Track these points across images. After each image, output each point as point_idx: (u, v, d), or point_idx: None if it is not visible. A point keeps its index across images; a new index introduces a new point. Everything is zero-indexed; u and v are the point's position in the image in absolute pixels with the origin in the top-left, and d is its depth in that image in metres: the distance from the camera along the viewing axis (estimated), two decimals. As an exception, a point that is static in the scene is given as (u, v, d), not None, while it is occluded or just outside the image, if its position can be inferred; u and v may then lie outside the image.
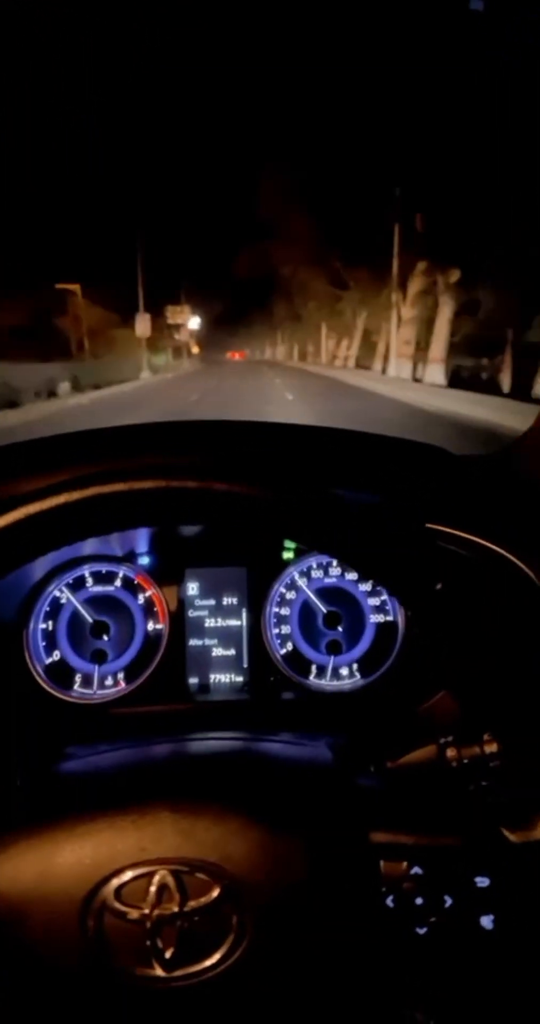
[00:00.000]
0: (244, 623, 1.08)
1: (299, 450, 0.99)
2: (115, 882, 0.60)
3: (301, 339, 67.14)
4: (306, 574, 1.07)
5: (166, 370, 45.10)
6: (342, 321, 40.30)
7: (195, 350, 71.37)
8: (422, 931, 0.63)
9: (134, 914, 0.59)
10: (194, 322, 73.85)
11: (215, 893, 0.60)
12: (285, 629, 1.07)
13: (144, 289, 36.40)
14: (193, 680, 1.07)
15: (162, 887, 0.60)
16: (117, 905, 0.59)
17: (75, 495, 0.58)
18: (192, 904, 0.60)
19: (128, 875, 0.60)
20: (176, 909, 0.59)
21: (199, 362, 68.38)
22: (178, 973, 0.59)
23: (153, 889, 0.60)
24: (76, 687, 1.04)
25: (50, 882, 0.60)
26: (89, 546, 1.03)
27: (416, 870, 0.63)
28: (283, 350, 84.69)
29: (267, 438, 1.06)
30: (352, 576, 1.06)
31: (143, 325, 35.88)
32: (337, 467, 0.95)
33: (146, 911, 0.59)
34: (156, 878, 0.60)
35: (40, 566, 1.01)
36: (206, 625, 1.08)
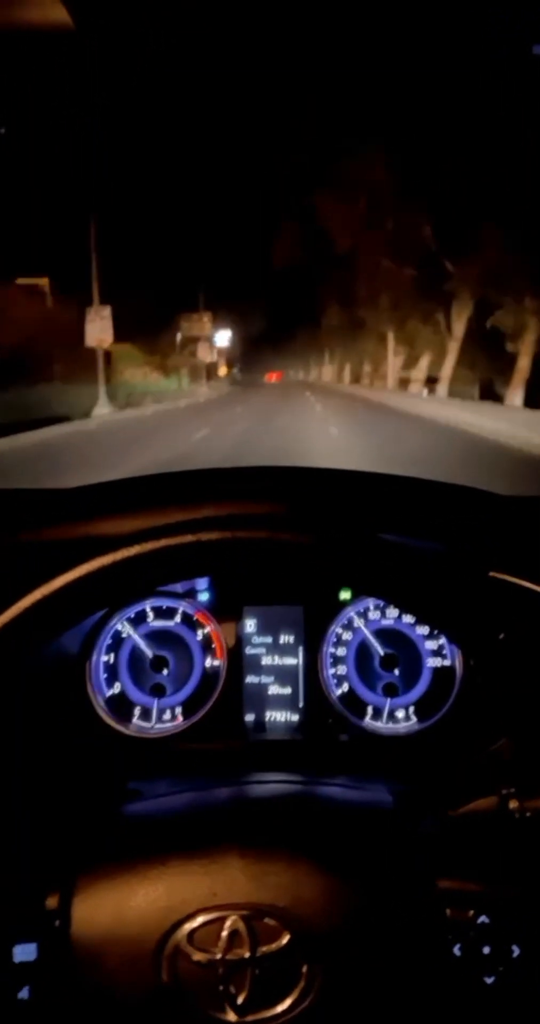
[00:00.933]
0: (300, 662, 1.08)
1: (360, 497, 1.00)
2: (187, 926, 0.61)
3: (354, 356, 53.89)
4: (363, 615, 1.07)
5: (164, 398, 32.59)
6: (421, 332, 29.87)
7: (223, 371, 57.45)
8: (490, 980, 0.63)
9: (207, 959, 0.60)
10: (222, 337, 59.96)
11: (285, 940, 0.61)
12: (341, 669, 1.07)
13: (99, 272, 24.04)
14: (249, 717, 1.08)
15: (233, 932, 0.61)
16: (190, 949, 0.61)
17: (146, 547, 0.60)
18: (263, 950, 0.61)
19: (200, 920, 0.61)
20: (247, 955, 0.60)
21: (226, 386, 56.67)
22: (250, 1018, 0.60)
23: (225, 934, 0.61)
24: (135, 720, 1.06)
25: (125, 925, 0.61)
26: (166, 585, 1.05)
27: (483, 919, 0.63)
28: (330, 371, 73.07)
29: (326, 484, 1.06)
30: (409, 619, 1.06)
31: (99, 328, 22.91)
32: (399, 515, 0.95)
33: (218, 956, 0.60)
34: (228, 923, 0.61)
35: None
36: (263, 663, 1.09)
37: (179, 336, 41.89)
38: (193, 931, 0.61)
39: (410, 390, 33.69)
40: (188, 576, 0.66)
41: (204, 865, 0.63)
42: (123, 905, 0.62)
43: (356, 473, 1.08)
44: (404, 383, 35.53)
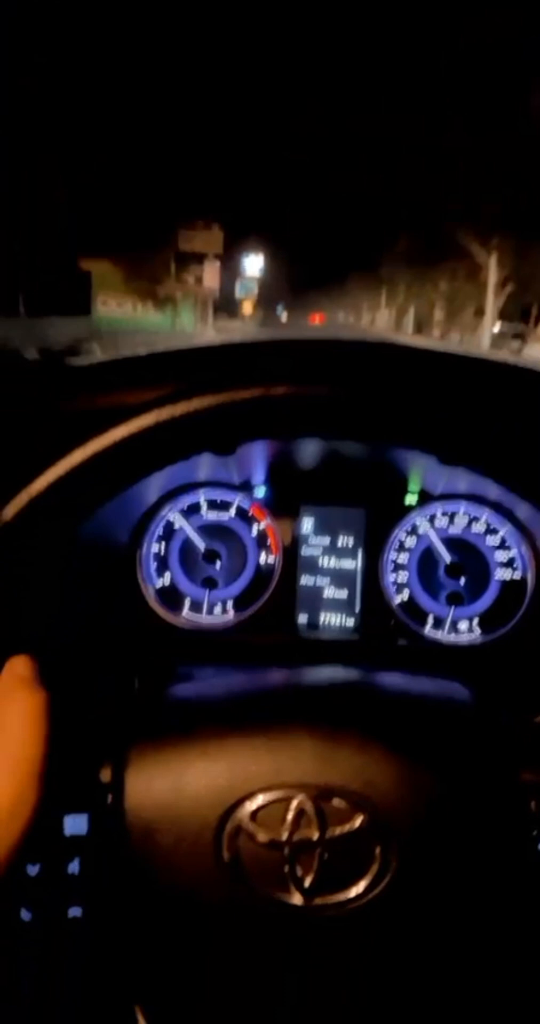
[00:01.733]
0: (359, 566, 1.04)
1: (441, 368, 0.88)
2: (250, 805, 0.57)
3: (423, 297, 41.39)
4: (430, 521, 1.02)
5: (155, 340, 21.62)
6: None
7: (248, 309, 44.51)
8: None
9: (271, 839, 0.57)
10: (253, 264, 47.06)
11: (358, 822, 0.57)
12: (403, 576, 1.03)
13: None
14: (302, 618, 1.05)
15: (300, 812, 0.57)
16: (253, 828, 0.57)
17: (179, 409, 0.57)
18: (333, 832, 0.57)
19: (265, 798, 0.57)
20: (316, 836, 0.57)
21: (250, 327, 43.92)
22: (318, 902, 0.57)
23: (291, 815, 0.57)
24: (186, 611, 1.03)
25: (183, 800, 0.58)
26: (205, 471, 1.00)
27: None
28: (386, 316, 60.60)
29: (400, 357, 0.92)
30: (479, 528, 1.01)
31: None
32: (467, 380, 0.85)
33: (284, 836, 0.57)
34: (294, 803, 0.57)
35: (154, 489, 0.99)
36: (319, 564, 1.05)
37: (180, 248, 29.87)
38: (257, 810, 0.57)
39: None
40: (239, 440, 0.60)
41: (269, 742, 0.59)
42: (181, 780, 0.58)
43: (427, 350, 0.97)
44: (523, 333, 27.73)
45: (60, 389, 0.84)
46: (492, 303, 25.79)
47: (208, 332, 31.38)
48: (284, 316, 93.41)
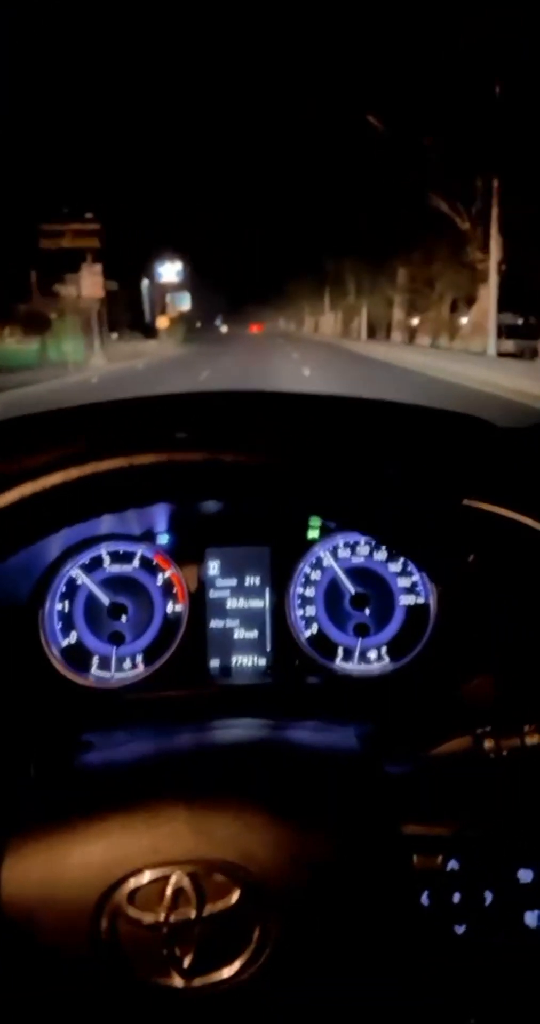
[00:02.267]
0: (267, 604, 1.04)
1: (322, 419, 0.92)
2: (128, 885, 0.57)
3: (378, 293, 37.83)
4: (333, 553, 1.03)
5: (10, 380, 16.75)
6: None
7: (164, 323, 36.58)
8: (461, 930, 0.59)
9: (149, 919, 0.56)
10: (170, 270, 40.08)
11: (235, 896, 0.56)
12: (310, 611, 1.03)
13: None
14: (214, 663, 1.04)
15: (178, 890, 0.57)
16: (131, 910, 0.56)
17: (75, 473, 0.56)
18: (210, 908, 0.56)
19: (142, 878, 0.57)
20: (194, 914, 0.56)
21: (170, 347, 35.96)
22: (197, 982, 0.56)
23: (169, 893, 0.56)
24: (93, 670, 1.01)
25: (60, 885, 0.57)
26: (106, 525, 0.99)
27: (453, 864, 0.59)
28: (333, 319, 56.49)
29: (291, 407, 0.98)
30: (381, 556, 1.02)
31: None
32: (368, 437, 0.88)
33: (162, 916, 0.56)
34: (172, 880, 0.57)
35: (55, 545, 0.98)
36: (228, 606, 1.04)
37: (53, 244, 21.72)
38: (134, 890, 0.56)
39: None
40: (127, 505, 0.59)
41: (147, 819, 0.58)
42: (58, 867, 0.57)
43: (336, 398, 0.99)
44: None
45: None
46: (494, 289, 18.24)
47: (94, 362, 22.57)
48: (224, 328, 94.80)
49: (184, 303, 57.95)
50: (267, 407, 0.94)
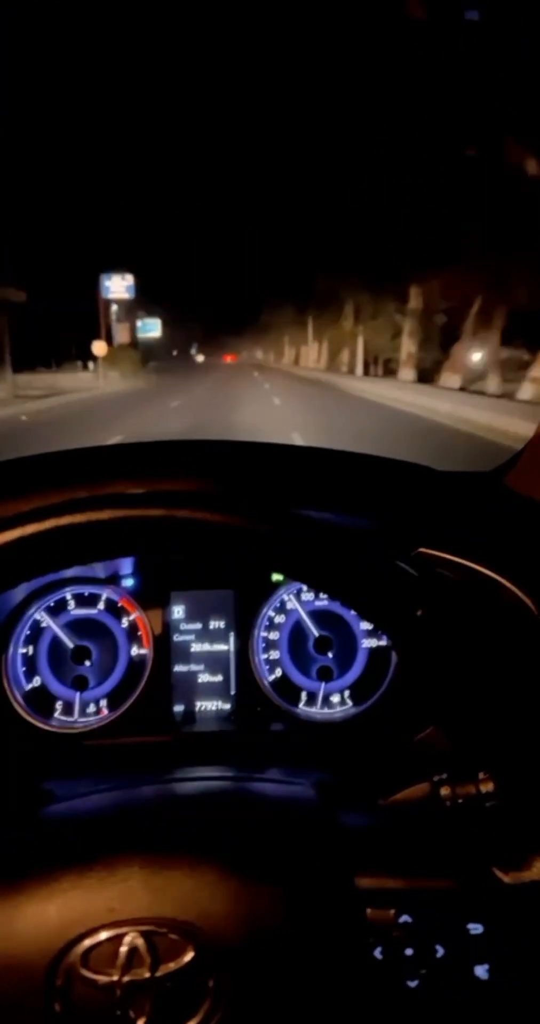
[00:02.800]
0: (232, 648, 1.05)
1: (275, 471, 0.96)
2: (81, 946, 0.56)
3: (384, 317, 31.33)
4: (297, 596, 1.04)
5: None
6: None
7: (100, 350, 28.72)
8: (413, 984, 0.60)
9: (103, 980, 0.56)
10: (121, 285, 33.90)
11: (188, 956, 0.56)
12: (274, 654, 1.04)
13: None
14: (178, 708, 1.04)
15: (132, 950, 0.56)
16: (84, 971, 0.56)
17: (31, 528, 0.56)
18: (164, 968, 0.56)
19: (95, 938, 0.56)
20: (147, 975, 0.56)
21: (116, 381, 30.37)
22: None
23: (123, 952, 0.56)
24: (57, 715, 1.00)
25: (12, 947, 0.56)
26: (71, 569, 0.98)
27: (405, 918, 0.60)
28: (316, 350, 51.57)
29: (245, 458, 1.01)
30: None
31: None
32: (324, 489, 0.91)
33: (115, 977, 0.56)
34: (126, 940, 0.56)
35: (20, 589, 0.97)
36: (192, 650, 1.05)
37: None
38: (88, 951, 0.56)
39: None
40: (83, 560, 0.60)
41: (101, 878, 0.58)
42: (9, 928, 0.56)
43: (282, 447, 1.02)
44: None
45: None
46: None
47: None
48: (200, 357, 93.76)
49: (153, 330, 51.27)
50: (227, 457, 0.96)
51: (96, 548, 0.58)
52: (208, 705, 1.03)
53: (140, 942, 0.56)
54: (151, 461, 0.94)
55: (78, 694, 0.99)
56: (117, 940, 0.56)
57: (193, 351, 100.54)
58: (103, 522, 0.56)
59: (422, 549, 0.82)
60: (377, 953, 0.59)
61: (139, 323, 49.63)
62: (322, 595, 1.02)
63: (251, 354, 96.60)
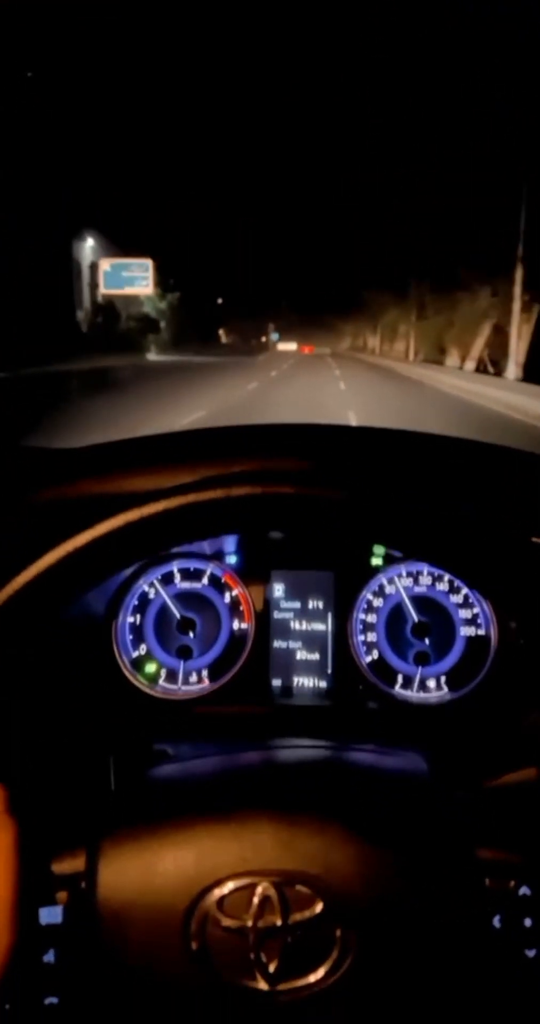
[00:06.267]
0: (329, 628, 1.07)
1: (400, 456, 0.97)
2: (217, 892, 0.60)
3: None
4: (394, 582, 1.05)
5: None
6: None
7: None
8: (532, 954, 0.61)
9: (237, 926, 0.59)
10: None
11: (318, 908, 0.60)
12: (371, 637, 1.05)
13: None
14: (276, 682, 1.06)
15: (265, 899, 0.60)
16: (219, 916, 0.60)
17: (174, 502, 0.58)
18: (295, 917, 0.60)
19: (230, 886, 0.60)
20: (279, 922, 0.59)
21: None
22: (282, 987, 0.59)
23: (255, 901, 0.60)
24: (161, 682, 1.05)
25: (152, 890, 0.60)
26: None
27: (525, 890, 0.61)
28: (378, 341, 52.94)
29: (361, 441, 1.04)
30: (443, 586, 1.04)
31: None
32: (438, 474, 0.92)
33: (249, 923, 0.59)
34: (258, 890, 0.60)
35: None
36: (291, 628, 1.07)
37: None
38: (223, 897, 0.60)
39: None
40: (216, 533, 0.66)
41: (234, 830, 0.62)
42: (150, 870, 0.61)
43: (393, 431, 1.03)
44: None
45: (43, 477, 0.86)
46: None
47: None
48: (282, 345, 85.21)
49: (140, 283, 38.37)
50: (339, 440, 0.98)
51: (227, 523, 0.62)
52: (305, 681, 1.06)
53: (272, 892, 0.59)
54: (266, 443, 0.96)
55: (182, 663, 1.03)
56: (250, 888, 0.59)
57: (273, 336, 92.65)
58: (237, 498, 0.58)
59: (536, 538, 0.81)
60: (496, 922, 0.60)
61: (106, 267, 36.25)
62: (421, 581, 1.04)
63: (345, 342, 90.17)
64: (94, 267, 36.61)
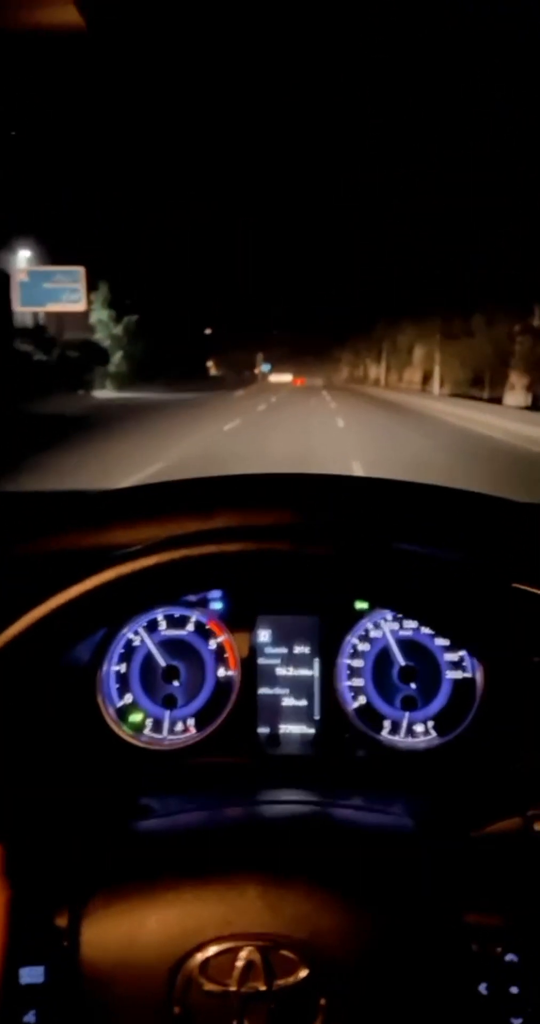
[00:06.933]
0: (316, 673, 1.06)
1: (377, 505, 0.97)
2: (200, 956, 0.59)
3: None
4: (379, 626, 1.04)
5: None
6: None
7: None
8: (518, 1022, 0.60)
9: (221, 990, 0.58)
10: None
11: (303, 974, 0.59)
12: (358, 682, 1.04)
13: None
14: (263, 730, 1.05)
15: (249, 963, 0.59)
16: (203, 980, 0.59)
17: (166, 556, 0.59)
18: (279, 983, 0.58)
19: (214, 949, 0.59)
20: (263, 987, 0.58)
21: None
22: None
23: (239, 965, 0.59)
24: (147, 731, 1.04)
25: (136, 951, 0.60)
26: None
27: (511, 957, 0.60)
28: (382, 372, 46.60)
29: (343, 491, 1.04)
30: (428, 630, 1.04)
31: None
32: (417, 523, 0.92)
33: (233, 988, 0.58)
34: (242, 954, 0.59)
35: None
36: (277, 674, 1.06)
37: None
38: (207, 960, 0.59)
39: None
40: (206, 588, 0.66)
41: (219, 891, 0.61)
42: (135, 929, 0.60)
43: (373, 480, 1.05)
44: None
45: (33, 527, 0.85)
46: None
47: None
48: (273, 377, 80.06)
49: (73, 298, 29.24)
50: (322, 491, 0.98)
51: (211, 578, 0.63)
52: (292, 729, 1.05)
53: (256, 956, 0.58)
54: (254, 495, 0.96)
55: (168, 712, 1.02)
56: (234, 952, 0.58)
57: (265, 368, 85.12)
58: (228, 554, 0.59)
59: (517, 584, 0.79)
60: (482, 989, 0.59)
61: (23, 277, 27.28)
62: (406, 625, 1.03)
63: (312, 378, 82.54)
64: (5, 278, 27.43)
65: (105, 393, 32.56)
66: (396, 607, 0.72)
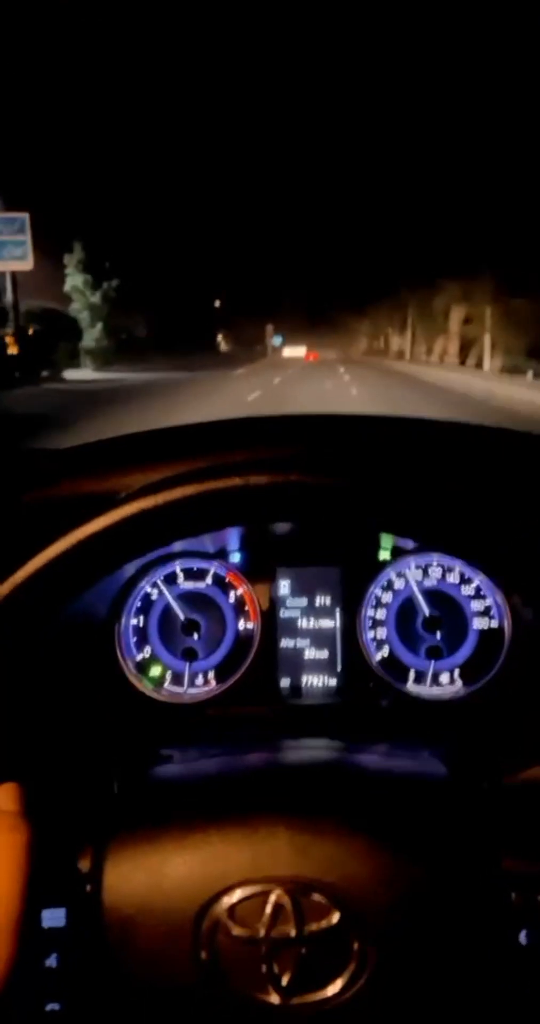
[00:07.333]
0: (338, 625, 1.04)
1: (405, 442, 0.94)
2: (228, 899, 0.58)
3: None
4: (403, 575, 1.02)
5: None
6: None
7: None
8: None
9: (249, 935, 0.57)
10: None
11: (335, 918, 0.57)
12: (381, 633, 1.03)
13: None
14: (285, 682, 1.04)
15: (278, 908, 0.57)
16: (230, 924, 0.57)
17: (189, 490, 0.57)
18: (310, 928, 0.57)
19: (242, 892, 0.58)
20: (293, 933, 0.57)
21: None
22: (296, 1001, 0.57)
23: (268, 910, 0.57)
24: (167, 685, 1.03)
25: (160, 894, 0.58)
26: (180, 542, 1.01)
27: None
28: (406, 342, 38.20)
29: (364, 427, 1.00)
30: (454, 579, 1.02)
31: None
32: (442, 457, 0.89)
33: (262, 933, 0.57)
34: (272, 898, 0.57)
35: (132, 562, 0.97)
36: (298, 626, 1.05)
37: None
38: (234, 904, 0.57)
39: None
40: (220, 526, 0.64)
41: (246, 834, 0.59)
42: (158, 872, 0.58)
43: (398, 418, 1.01)
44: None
45: (39, 476, 0.85)
46: None
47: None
48: (288, 351, 75.58)
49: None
50: (341, 428, 0.95)
51: (231, 514, 0.61)
52: (314, 680, 1.03)
53: (286, 900, 0.57)
54: (272, 433, 0.93)
55: (188, 665, 1.01)
56: (263, 896, 0.57)
57: (275, 340, 79.14)
58: (240, 488, 0.57)
59: None
60: (522, 937, 0.58)
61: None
62: (430, 575, 1.01)
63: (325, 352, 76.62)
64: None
65: (80, 373, 27.20)
66: (417, 536, 0.69)
